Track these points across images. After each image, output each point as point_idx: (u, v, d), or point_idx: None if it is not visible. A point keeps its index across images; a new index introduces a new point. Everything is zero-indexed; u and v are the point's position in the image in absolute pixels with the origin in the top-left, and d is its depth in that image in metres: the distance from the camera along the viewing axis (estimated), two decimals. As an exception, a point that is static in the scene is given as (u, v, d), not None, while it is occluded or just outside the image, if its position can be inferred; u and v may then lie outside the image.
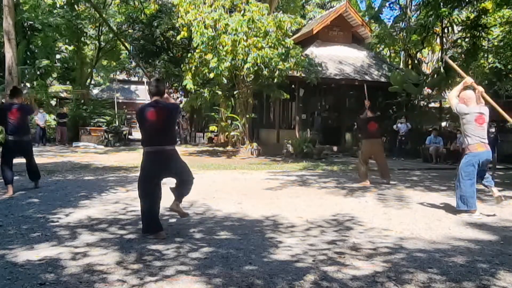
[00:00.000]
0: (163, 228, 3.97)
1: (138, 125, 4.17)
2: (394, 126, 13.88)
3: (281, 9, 19.72)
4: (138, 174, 8.57)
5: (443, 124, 16.75)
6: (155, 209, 3.96)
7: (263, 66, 11.83)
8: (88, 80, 26.30)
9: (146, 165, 3.99)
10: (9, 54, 15.99)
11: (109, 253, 3.37)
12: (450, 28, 16.31)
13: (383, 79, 16.09)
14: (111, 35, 25.56)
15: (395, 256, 3.42)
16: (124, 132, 20.45)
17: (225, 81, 12.75)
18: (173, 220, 4.60)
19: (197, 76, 12.96)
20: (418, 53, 19.14)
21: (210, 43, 11.87)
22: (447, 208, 5.53)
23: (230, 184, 7.40)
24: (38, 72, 18.90)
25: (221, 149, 15.36)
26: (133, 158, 12.16)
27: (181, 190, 4.12)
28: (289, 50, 12.41)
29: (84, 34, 23.16)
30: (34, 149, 14.26)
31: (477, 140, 4.98)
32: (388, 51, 23.64)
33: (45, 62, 18.76)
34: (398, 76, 15.05)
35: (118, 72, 34.49)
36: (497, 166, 11.16)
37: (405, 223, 4.61)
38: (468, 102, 5.10)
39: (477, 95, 5.15)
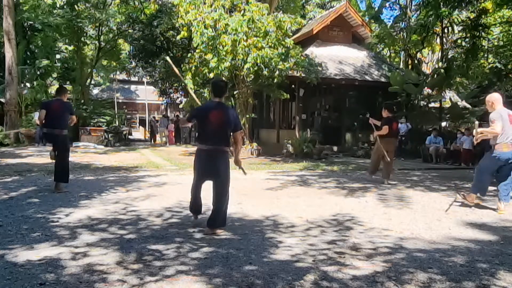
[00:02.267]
0: (197, 217, 4.42)
1: (196, 121, 4.38)
2: None
3: (281, 9, 19.73)
4: (138, 174, 8.66)
5: (443, 124, 16.76)
6: (193, 200, 4.33)
7: (263, 66, 11.83)
8: (88, 80, 26.31)
9: (195, 161, 4.22)
10: (9, 54, 16.01)
11: (109, 253, 3.36)
12: (450, 28, 16.33)
13: (383, 79, 16.09)
14: (111, 35, 25.61)
15: (395, 256, 3.42)
16: (124, 132, 20.46)
17: (225, 81, 12.74)
18: (173, 220, 4.60)
19: (197, 76, 12.96)
20: (418, 53, 19.16)
21: (210, 43, 11.87)
22: (447, 208, 5.53)
23: (230, 184, 7.38)
24: (38, 72, 18.89)
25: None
26: (133, 158, 12.17)
27: (214, 205, 4.11)
28: (289, 50, 12.40)
29: (84, 34, 23.17)
30: (33, 149, 14.32)
31: (503, 140, 5.13)
32: (388, 51, 23.68)
33: (45, 62, 18.76)
34: (398, 77, 15.06)
35: (118, 72, 34.52)
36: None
37: (405, 223, 4.62)
38: (496, 103, 5.24)
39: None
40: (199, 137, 4.27)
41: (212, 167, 4.07)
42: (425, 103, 16.48)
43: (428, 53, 23.11)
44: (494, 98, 5.28)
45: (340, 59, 16.73)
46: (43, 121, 6.23)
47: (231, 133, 4.09)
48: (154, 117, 27.90)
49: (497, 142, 5.14)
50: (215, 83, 4.32)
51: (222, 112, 4.01)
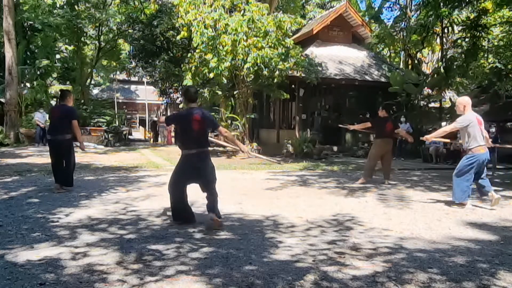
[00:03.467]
0: (194, 218, 4.42)
1: (176, 128, 4.68)
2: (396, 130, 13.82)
3: (281, 9, 19.73)
4: (138, 174, 8.65)
5: (443, 124, 16.73)
6: (178, 205, 4.37)
7: (263, 66, 11.82)
8: (88, 80, 26.31)
9: (178, 164, 4.43)
10: (9, 54, 16.01)
11: (109, 253, 3.36)
12: (450, 28, 16.32)
13: (383, 79, 16.09)
14: (111, 35, 25.61)
15: (395, 256, 3.42)
16: (124, 132, 20.44)
17: (225, 81, 12.74)
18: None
19: (197, 76, 12.96)
20: (418, 53, 19.15)
21: (210, 43, 11.87)
22: (447, 208, 5.53)
23: (230, 184, 7.39)
24: (38, 72, 18.88)
25: (221, 149, 15.35)
26: (133, 158, 12.17)
27: (208, 199, 4.34)
28: (289, 50, 12.41)
29: (84, 34, 23.16)
30: (33, 149, 14.30)
31: (478, 143, 5.32)
32: (388, 51, 23.66)
33: (45, 62, 18.75)
34: (398, 77, 15.05)
35: (118, 72, 34.53)
36: (497, 166, 11.16)
37: (405, 223, 4.61)
38: (467, 106, 5.47)
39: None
40: (183, 143, 4.37)
41: (199, 170, 4.29)
42: (425, 103, 16.46)
43: (428, 53, 23.10)
44: (466, 102, 5.49)
45: (340, 59, 16.73)
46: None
47: (214, 132, 4.29)
48: (157, 116, 27.82)
49: (472, 146, 5.31)
50: (187, 90, 4.59)
51: (200, 115, 4.26)
